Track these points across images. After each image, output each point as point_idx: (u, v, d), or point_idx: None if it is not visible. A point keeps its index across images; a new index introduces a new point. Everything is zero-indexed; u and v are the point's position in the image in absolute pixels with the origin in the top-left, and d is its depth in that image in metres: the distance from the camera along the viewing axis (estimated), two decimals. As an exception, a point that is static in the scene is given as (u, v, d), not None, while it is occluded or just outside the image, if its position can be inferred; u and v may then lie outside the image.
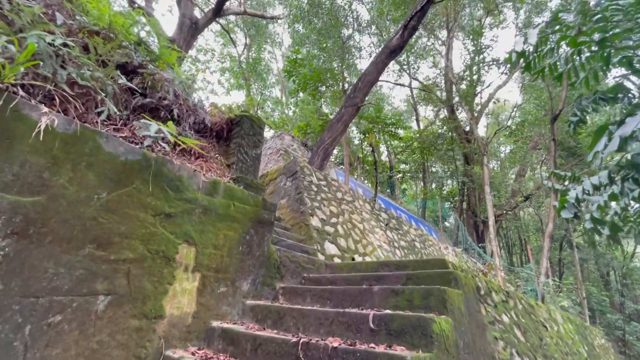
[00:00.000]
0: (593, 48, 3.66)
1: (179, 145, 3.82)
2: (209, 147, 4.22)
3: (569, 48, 3.71)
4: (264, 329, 2.73)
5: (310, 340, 2.01)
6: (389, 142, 19.43)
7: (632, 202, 3.33)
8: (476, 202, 15.96)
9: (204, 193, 3.06)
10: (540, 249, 13.94)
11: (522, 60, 3.98)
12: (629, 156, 3.44)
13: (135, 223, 2.49)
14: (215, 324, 2.78)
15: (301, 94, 19.24)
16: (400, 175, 18.90)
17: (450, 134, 16.82)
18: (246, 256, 3.29)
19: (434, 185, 19.36)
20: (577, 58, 3.77)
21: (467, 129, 16.97)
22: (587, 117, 6.25)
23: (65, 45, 2.66)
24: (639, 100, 3.54)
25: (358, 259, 5.80)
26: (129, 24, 3.88)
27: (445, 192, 18.91)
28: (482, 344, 2.55)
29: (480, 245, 15.00)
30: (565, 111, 10.23)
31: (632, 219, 3.71)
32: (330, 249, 5.36)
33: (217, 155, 4.21)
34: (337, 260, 5.28)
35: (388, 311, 2.19)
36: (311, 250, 4.77)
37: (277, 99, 22.42)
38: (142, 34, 5.19)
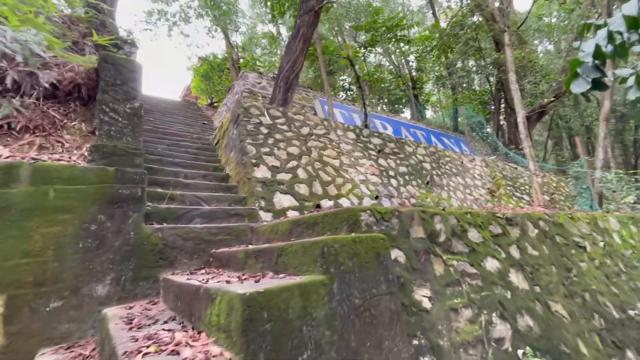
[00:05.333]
0: None
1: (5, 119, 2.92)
2: (63, 113, 3.24)
3: None
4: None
5: None
6: (401, 50, 16.58)
7: None
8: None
9: (-10, 186, 2.17)
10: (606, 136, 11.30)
11: None
12: None
13: None
14: (44, 352, 2.09)
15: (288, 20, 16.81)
16: (419, 86, 16.25)
17: (474, 17, 13.49)
18: (96, 252, 2.46)
19: (465, 85, 16.39)
20: None
21: (497, 3, 13.41)
22: None
23: None
24: None
25: (326, 205, 4.75)
26: None
27: (478, 91, 15.96)
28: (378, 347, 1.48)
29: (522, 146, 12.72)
30: None
31: None
32: (283, 201, 4.36)
33: (74, 124, 3.24)
34: (292, 213, 4.31)
35: None
36: (246, 212, 3.83)
37: (272, 34, 20.05)
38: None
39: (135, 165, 3.05)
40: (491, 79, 14.05)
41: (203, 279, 1.90)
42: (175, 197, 3.69)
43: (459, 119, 15.75)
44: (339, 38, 16.48)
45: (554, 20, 16.05)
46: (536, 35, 17.04)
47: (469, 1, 12.52)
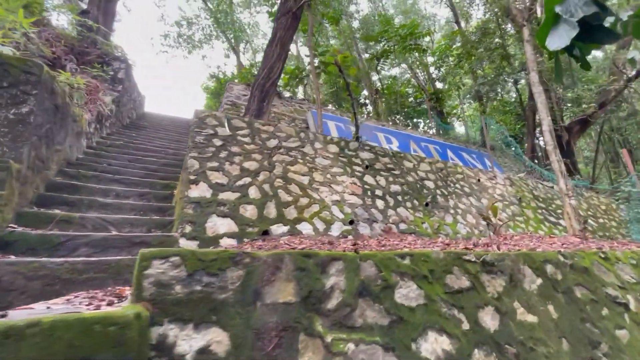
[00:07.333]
0: None
1: None
2: None
3: None
4: None
5: None
6: (421, 61, 15.58)
7: None
8: (553, 104, 11.47)
9: None
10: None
11: None
12: None
13: None
14: None
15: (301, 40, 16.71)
16: (442, 99, 14.97)
17: (498, 20, 12.24)
18: None
19: (493, 95, 14.82)
20: None
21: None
22: None
23: None
24: None
25: (279, 231, 3.88)
26: None
27: (509, 101, 14.28)
28: None
29: (565, 160, 10.94)
30: None
31: None
32: (219, 226, 3.58)
33: (-58, 132, 2.75)
34: (228, 242, 3.50)
35: None
36: (157, 240, 3.09)
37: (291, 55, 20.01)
38: None
39: (-7, 181, 2.46)
40: (520, 86, 12.52)
41: None
42: (74, 220, 3.06)
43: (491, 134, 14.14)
44: (354, 53, 15.91)
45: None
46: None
47: (489, 4, 11.37)
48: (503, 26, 12.72)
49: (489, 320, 1.85)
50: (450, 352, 1.59)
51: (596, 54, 19.77)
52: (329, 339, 1.35)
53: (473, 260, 2.06)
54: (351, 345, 1.38)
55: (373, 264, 1.66)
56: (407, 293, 1.67)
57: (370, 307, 1.54)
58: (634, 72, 10.18)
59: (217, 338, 1.17)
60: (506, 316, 1.93)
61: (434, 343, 1.57)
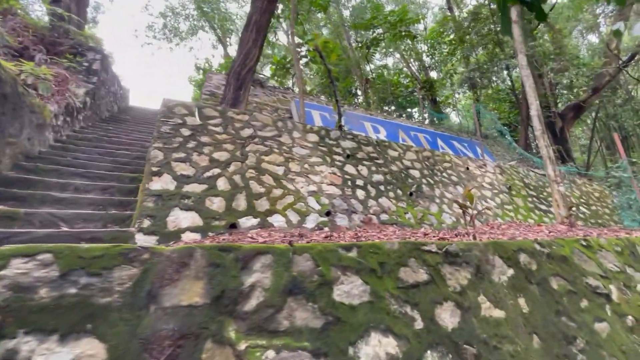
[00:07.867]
0: None
1: None
2: None
3: None
4: None
5: None
6: (413, 49, 15.25)
7: None
8: (546, 90, 11.19)
9: None
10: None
11: None
12: None
13: None
14: None
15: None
16: (436, 88, 14.68)
17: (490, 5, 11.92)
18: None
19: (487, 82, 14.55)
20: None
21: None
22: None
23: None
24: None
25: (248, 224, 3.68)
26: None
27: (502, 89, 14.01)
28: None
29: (559, 146, 10.77)
30: None
31: None
32: (182, 220, 3.37)
33: None
34: (191, 236, 3.30)
35: None
36: (110, 236, 2.89)
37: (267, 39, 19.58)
38: None
39: None
40: (515, 74, 12.26)
41: None
42: (18, 216, 2.85)
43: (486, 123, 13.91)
44: (345, 42, 15.54)
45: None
46: (573, 24, 14.89)
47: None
48: (496, 10, 12.38)
49: (448, 317, 1.66)
50: (396, 356, 1.40)
51: (591, 39, 19.43)
52: (242, 346, 1.15)
53: (434, 251, 1.86)
54: (271, 353, 1.18)
55: (310, 257, 1.46)
56: (350, 290, 1.47)
57: (302, 306, 1.34)
58: (627, 56, 9.91)
59: (90, 351, 0.96)
60: (468, 312, 1.74)
61: (376, 346, 1.38)
